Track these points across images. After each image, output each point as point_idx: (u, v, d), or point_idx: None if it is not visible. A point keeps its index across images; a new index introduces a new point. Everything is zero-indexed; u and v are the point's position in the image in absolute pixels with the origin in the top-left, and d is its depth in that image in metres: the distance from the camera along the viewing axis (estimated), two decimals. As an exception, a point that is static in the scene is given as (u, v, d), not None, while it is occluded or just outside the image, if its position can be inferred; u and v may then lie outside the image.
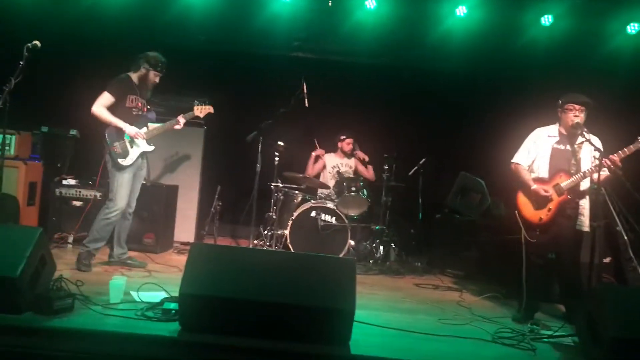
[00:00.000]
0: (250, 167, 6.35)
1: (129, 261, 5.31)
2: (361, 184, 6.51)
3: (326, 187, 6.87)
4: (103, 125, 5.05)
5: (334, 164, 7.13)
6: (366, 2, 6.90)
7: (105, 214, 5.04)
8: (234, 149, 7.14)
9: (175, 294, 3.41)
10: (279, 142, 6.50)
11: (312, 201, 6.51)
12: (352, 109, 7.59)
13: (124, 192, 5.07)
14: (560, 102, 4.59)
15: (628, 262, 5.17)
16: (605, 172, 4.32)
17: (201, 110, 5.50)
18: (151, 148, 5.28)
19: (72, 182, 6.19)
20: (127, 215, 5.27)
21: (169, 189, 6.45)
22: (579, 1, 6.69)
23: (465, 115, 7.53)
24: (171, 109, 6.85)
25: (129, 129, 5.06)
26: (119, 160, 5.04)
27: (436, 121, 7.68)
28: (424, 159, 7.01)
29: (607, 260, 5.48)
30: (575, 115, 4.47)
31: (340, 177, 6.71)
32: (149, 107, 5.36)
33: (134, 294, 4.02)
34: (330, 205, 6.38)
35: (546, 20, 6.90)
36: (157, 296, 3.91)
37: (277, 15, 7.09)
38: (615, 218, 5.14)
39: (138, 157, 5.17)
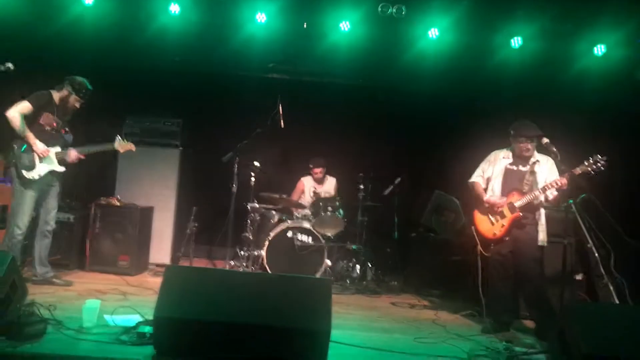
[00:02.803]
0: (226, 187, 6.35)
1: (54, 279, 5.24)
2: (337, 203, 6.55)
3: (302, 207, 6.89)
4: (10, 134, 4.98)
5: (313, 187, 7.13)
6: (340, 25, 6.98)
7: (10, 235, 4.94)
8: (210, 169, 7.14)
9: (150, 317, 3.38)
10: (255, 163, 6.53)
11: (289, 221, 6.52)
12: (328, 129, 7.67)
13: (26, 209, 4.97)
14: (512, 132, 4.86)
15: (599, 279, 5.26)
16: (555, 193, 4.59)
17: (122, 146, 5.48)
18: (62, 169, 5.21)
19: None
20: (46, 233, 5.23)
21: (143, 211, 6.41)
22: (548, 23, 6.85)
23: (440, 136, 7.65)
24: (146, 130, 6.87)
25: (38, 145, 5.00)
26: (24, 172, 4.95)
27: (411, 141, 7.80)
28: (399, 179, 7.07)
29: (579, 277, 5.59)
30: (527, 147, 4.72)
31: (317, 197, 6.73)
32: (66, 129, 5.30)
33: (107, 317, 3.97)
34: (306, 225, 6.39)
35: (516, 42, 7.05)
36: (131, 320, 3.87)
37: (253, 36, 7.12)
38: (585, 235, 5.25)
39: (47, 175, 5.10)
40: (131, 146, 5.54)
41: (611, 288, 4.56)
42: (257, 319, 3.23)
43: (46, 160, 5.08)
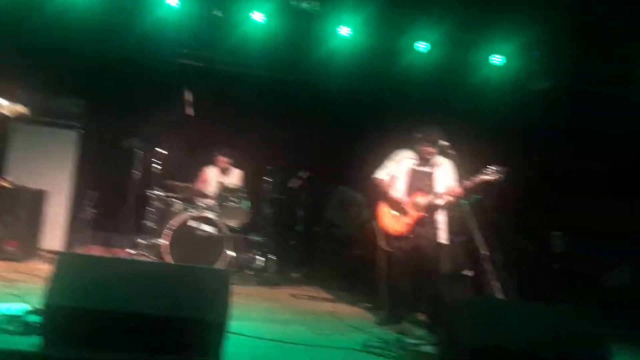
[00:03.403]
0: (128, 173, 6.13)
1: None
2: (243, 195, 6.51)
3: (207, 196, 6.77)
4: None
5: (217, 177, 7.01)
6: (254, 15, 6.92)
7: None
8: (112, 154, 6.85)
9: (38, 305, 3.21)
10: (160, 149, 6.34)
11: (192, 211, 6.39)
12: (237, 119, 7.59)
13: None
14: (418, 135, 5.02)
15: (487, 276, 5.59)
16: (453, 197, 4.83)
17: (9, 110, 5.10)
18: None
19: None
20: None
21: (34, 194, 6.06)
22: (452, 30, 7.15)
23: (347, 132, 7.81)
24: (43, 109, 6.48)
25: None
26: None
27: (319, 136, 7.89)
28: (307, 173, 7.13)
29: (469, 274, 5.90)
30: (431, 151, 4.93)
31: (222, 188, 6.64)
32: None
33: (-10, 305, 3.73)
34: (210, 215, 6.30)
35: (423, 47, 7.31)
36: (17, 308, 3.65)
37: (164, 20, 6.90)
38: (476, 234, 5.56)
39: None
40: (21, 108, 5.12)
41: (498, 285, 4.85)
42: (151, 309, 3.15)
43: None
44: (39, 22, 6.65)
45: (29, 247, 5.94)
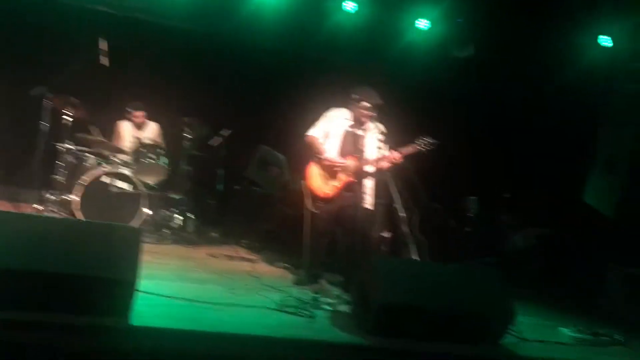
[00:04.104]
0: (36, 124, 5.75)
1: None
2: (160, 151, 6.28)
3: (122, 152, 6.46)
4: None
5: (132, 132, 6.69)
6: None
7: None
8: (19, 103, 6.37)
9: None
10: (72, 100, 5.96)
11: (106, 166, 6.10)
12: (157, 71, 7.23)
13: None
14: (354, 96, 4.91)
15: (403, 237, 5.73)
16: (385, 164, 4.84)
17: None
18: None
19: None
20: None
21: None
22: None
23: (272, 91, 7.68)
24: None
25: None
26: None
27: (243, 94, 7.70)
28: (228, 131, 6.95)
29: (386, 234, 6.03)
30: (368, 114, 4.85)
31: (139, 143, 6.36)
32: None
33: None
34: (125, 171, 6.03)
35: (350, 6, 7.22)
36: None
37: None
38: (394, 197, 5.66)
39: None
40: None
41: (412, 245, 4.97)
42: (57, 267, 2.99)
43: None
44: None
45: None
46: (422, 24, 7.44)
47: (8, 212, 5.07)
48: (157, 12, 7.26)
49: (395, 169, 5.05)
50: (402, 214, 5.13)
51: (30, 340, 2.69)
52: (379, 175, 4.99)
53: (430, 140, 4.74)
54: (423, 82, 7.83)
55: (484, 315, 3.76)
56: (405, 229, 5.15)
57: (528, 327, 4.21)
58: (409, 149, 4.79)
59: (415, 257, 4.93)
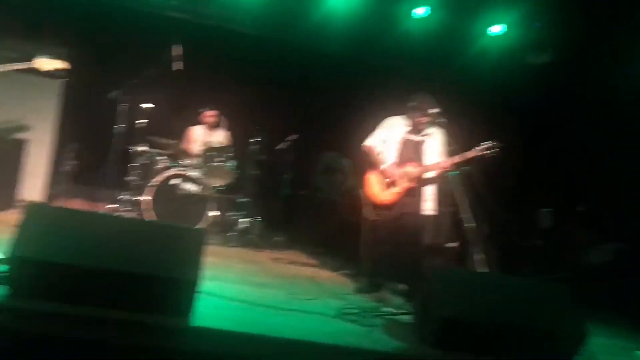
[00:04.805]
0: (112, 127, 5.99)
1: None
2: (229, 154, 6.39)
3: (192, 155, 6.64)
4: None
5: (203, 136, 6.87)
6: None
7: None
8: (97, 106, 6.65)
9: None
10: (146, 104, 6.19)
11: (176, 168, 6.27)
12: (228, 77, 7.40)
13: None
14: (413, 104, 4.85)
15: (470, 248, 5.56)
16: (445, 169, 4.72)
17: (44, 64, 4.86)
18: None
19: None
20: None
21: (13, 143, 5.91)
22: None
23: (338, 97, 7.67)
24: (26, 56, 6.26)
25: None
26: None
27: (309, 99, 7.75)
28: (295, 136, 7.01)
29: (453, 244, 5.86)
30: (425, 120, 4.79)
31: (208, 147, 6.51)
32: None
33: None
34: (194, 173, 6.19)
35: (421, 12, 7.11)
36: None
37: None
38: (462, 206, 5.50)
39: None
40: (60, 63, 4.86)
41: (480, 257, 4.81)
42: (120, 265, 3.07)
43: None
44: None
45: (4, 197, 5.84)
46: (496, 29, 7.22)
47: (77, 210, 5.32)
48: (229, 19, 7.43)
49: (462, 176, 4.92)
50: (469, 224, 4.99)
51: (93, 336, 2.77)
52: (443, 182, 4.88)
53: (492, 144, 4.58)
54: (493, 88, 7.59)
55: (553, 334, 3.56)
56: (471, 240, 5.00)
57: (602, 348, 3.97)
58: (471, 153, 4.65)
59: (481, 269, 4.76)
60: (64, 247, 3.10)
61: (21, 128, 6.20)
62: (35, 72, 5.97)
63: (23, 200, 6.12)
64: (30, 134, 6.24)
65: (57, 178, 6.14)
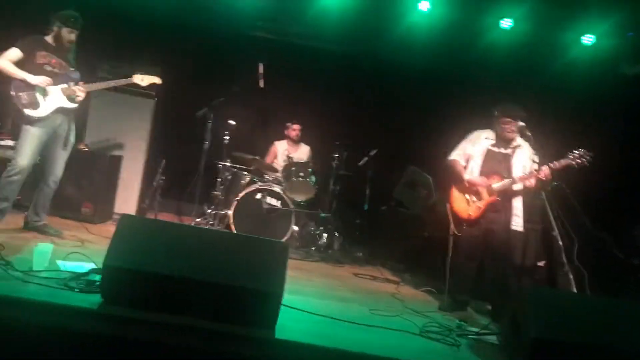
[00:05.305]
0: (199, 143, 6.23)
1: (44, 229, 4.98)
2: (310, 170, 6.47)
3: (275, 170, 6.80)
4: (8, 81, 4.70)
5: (287, 152, 7.02)
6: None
7: (7, 172, 4.71)
8: (185, 123, 6.96)
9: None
10: (230, 121, 6.40)
11: (260, 183, 6.43)
12: (309, 94, 7.55)
13: (27, 149, 4.71)
14: (496, 113, 4.72)
15: (560, 267, 5.29)
16: (533, 181, 4.55)
17: (142, 79, 5.23)
18: (72, 105, 4.92)
19: (9, 142, 5.88)
20: (49, 182, 4.98)
21: (112, 159, 6.28)
22: (539, 7, 6.73)
23: (420, 111, 7.58)
24: (120, 76, 6.66)
25: (32, 78, 4.68)
26: (27, 111, 4.68)
27: (391, 114, 7.72)
28: (375, 151, 7.01)
29: (541, 263, 5.61)
30: (512, 129, 4.61)
31: (290, 162, 6.64)
32: (72, 67, 4.97)
33: (59, 262, 3.88)
34: (276, 188, 6.32)
35: (506, 23, 6.95)
36: (83, 267, 3.78)
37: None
38: (552, 223, 5.26)
39: (54, 113, 4.82)
40: (155, 79, 5.26)
41: (571, 277, 4.57)
42: (206, 276, 3.16)
43: (52, 97, 4.79)
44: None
45: (103, 210, 6.17)
46: (587, 39, 6.92)
47: (166, 222, 5.51)
48: (311, 36, 7.57)
49: (552, 190, 4.71)
50: (559, 240, 4.76)
51: (179, 343, 2.87)
52: (531, 196, 4.69)
53: (583, 153, 4.36)
54: (583, 98, 7.24)
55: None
56: (563, 257, 4.76)
57: None
58: (561, 163, 4.45)
59: (573, 289, 4.51)
60: (155, 257, 3.25)
61: (119, 145, 6.59)
62: (131, 92, 6.42)
63: (118, 213, 6.48)
64: (126, 150, 6.61)
65: (148, 192, 6.45)
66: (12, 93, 4.68)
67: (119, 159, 6.48)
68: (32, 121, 4.73)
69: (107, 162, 6.15)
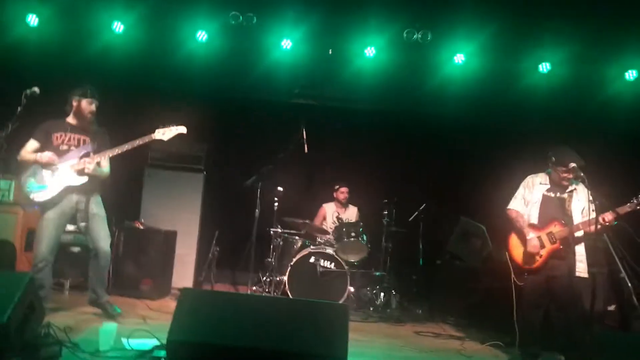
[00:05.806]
0: (249, 212, 6.33)
1: (104, 307, 4.88)
2: (360, 229, 6.46)
3: (325, 232, 6.83)
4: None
5: (335, 213, 7.05)
6: (366, 50, 7.02)
7: (34, 262, 4.65)
8: (234, 194, 7.11)
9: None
10: (278, 188, 6.52)
11: (312, 247, 6.44)
12: (352, 154, 7.65)
13: (42, 236, 4.64)
14: (552, 158, 4.65)
15: (633, 310, 5.04)
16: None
17: (164, 133, 4.92)
18: (81, 180, 4.71)
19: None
20: (97, 257, 4.78)
21: (167, 234, 6.42)
22: (577, 48, 6.74)
23: (465, 161, 7.56)
24: (172, 155, 6.96)
25: (41, 156, 4.64)
26: (32, 195, 4.61)
27: (435, 166, 7.70)
28: (424, 204, 6.97)
29: (611, 307, 5.36)
30: (568, 177, 4.54)
31: (340, 223, 6.65)
32: (88, 139, 4.86)
33: (124, 341, 3.94)
34: (329, 250, 6.31)
35: (544, 67, 6.97)
36: (148, 343, 3.83)
37: (278, 62, 7.20)
38: (618, 265, 5.05)
39: (65, 193, 4.70)
40: (180, 129, 4.98)
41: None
42: (270, 344, 3.15)
43: (60, 177, 4.70)
44: (167, 72, 7.19)
45: (162, 285, 6.27)
46: (629, 75, 6.87)
47: (224, 292, 5.58)
48: (348, 98, 7.75)
49: (615, 232, 4.56)
50: (629, 282, 4.56)
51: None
52: (592, 240, 4.54)
53: None
54: (632, 135, 7.08)
55: None
56: (634, 300, 4.56)
57: None
58: (625, 209, 4.31)
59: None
60: (217, 328, 3.27)
61: (173, 220, 6.76)
62: (182, 168, 6.64)
63: (176, 288, 6.57)
64: (180, 225, 6.77)
65: (203, 264, 6.54)
66: (22, 177, 4.69)
67: (174, 234, 6.63)
68: (42, 207, 4.69)
69: (163, 237, 6.29)
